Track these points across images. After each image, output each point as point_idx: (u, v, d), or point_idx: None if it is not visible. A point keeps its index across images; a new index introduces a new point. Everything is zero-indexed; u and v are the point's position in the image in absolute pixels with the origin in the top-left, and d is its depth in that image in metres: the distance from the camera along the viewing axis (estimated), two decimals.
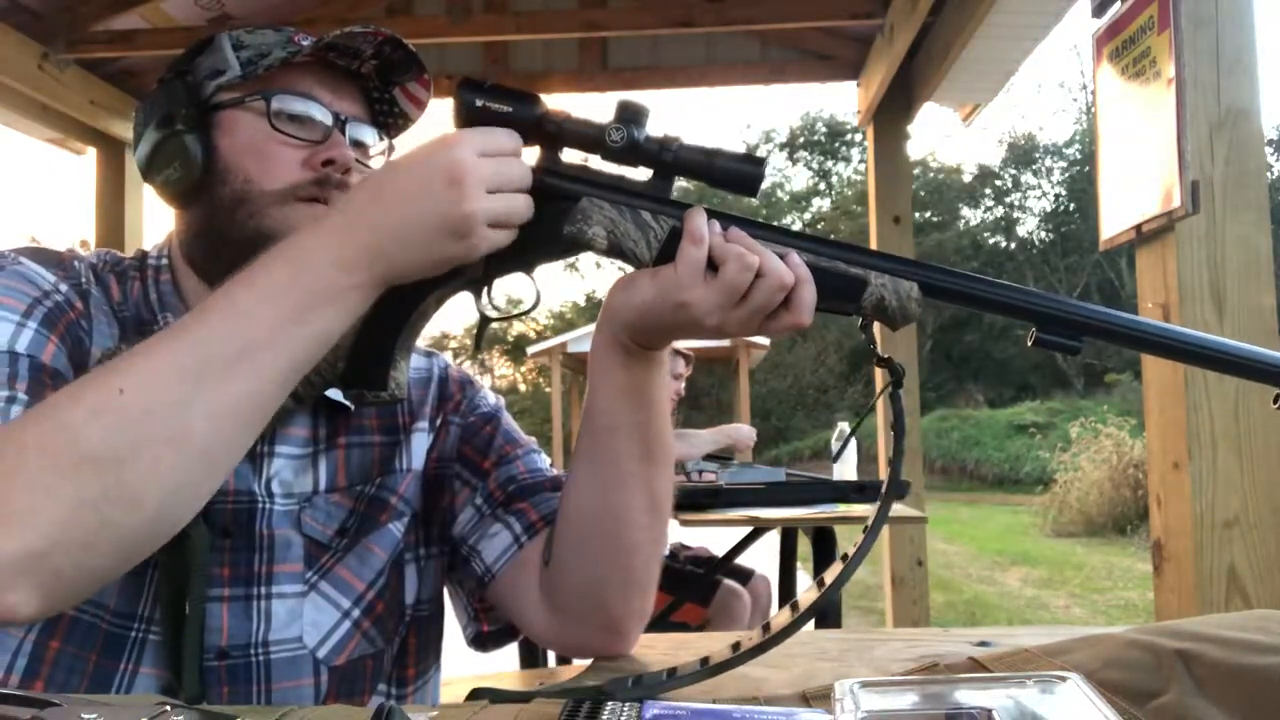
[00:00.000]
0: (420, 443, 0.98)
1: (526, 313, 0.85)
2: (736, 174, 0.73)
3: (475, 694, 0.72)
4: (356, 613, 0.90)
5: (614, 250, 0.75)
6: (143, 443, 0.63)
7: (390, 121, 0.98)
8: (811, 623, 0.74)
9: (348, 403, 0.93)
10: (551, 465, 1.01)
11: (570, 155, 0.77)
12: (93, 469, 0.62)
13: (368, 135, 0.94)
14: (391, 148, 0.97)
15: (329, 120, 0.90)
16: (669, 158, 0.74)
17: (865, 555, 0.72)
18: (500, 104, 0.73)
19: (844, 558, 0.74)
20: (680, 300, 0.72)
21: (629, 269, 0.78)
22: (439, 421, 1.00)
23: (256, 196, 0.87)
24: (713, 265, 0.72)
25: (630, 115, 0.73)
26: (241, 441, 0.69)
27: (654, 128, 0.74)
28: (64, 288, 0.85)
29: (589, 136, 0.74)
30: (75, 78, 3.94)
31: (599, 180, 0.76)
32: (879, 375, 4.34)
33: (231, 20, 3.82)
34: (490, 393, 1.05)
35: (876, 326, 0.76)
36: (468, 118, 0.73)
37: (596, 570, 0.87)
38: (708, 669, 0.72)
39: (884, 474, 0.70)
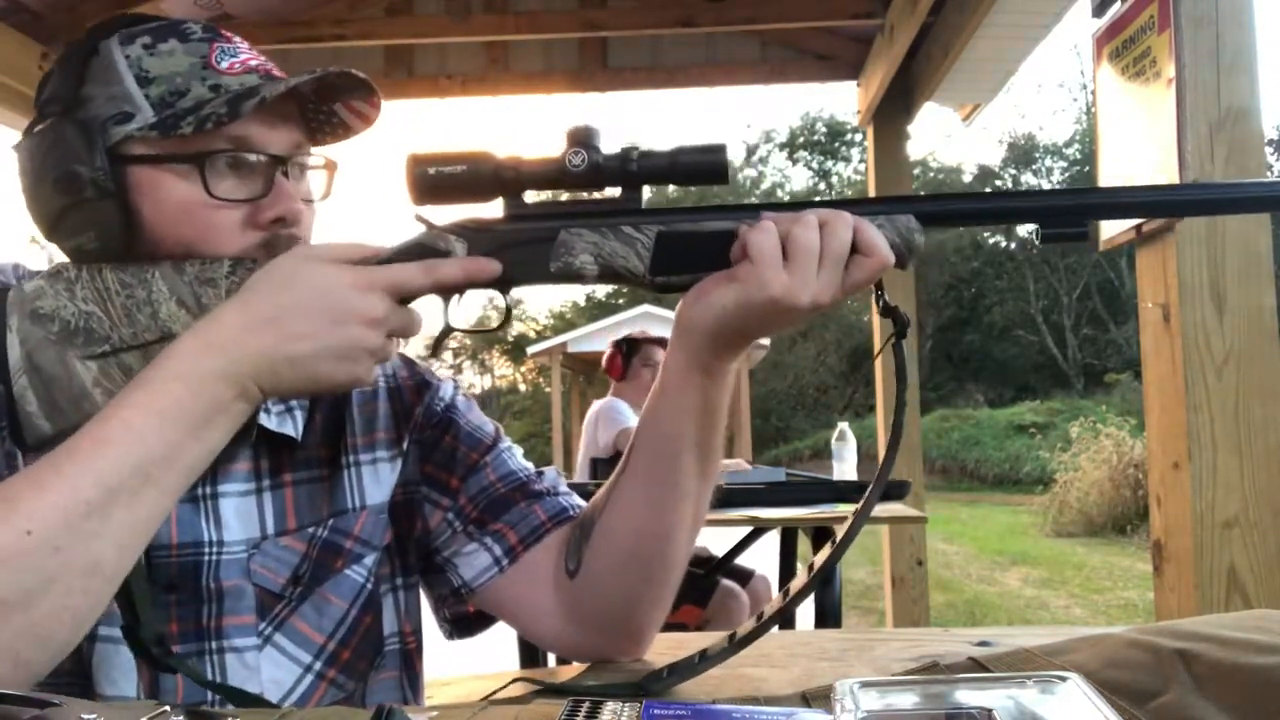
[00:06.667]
0: (376, 475, 0.90)
1: (494, 330, 0.84)
2: (702, 165, 0.73)
3: (518, 681, 0.74)
4: (319, 665, 0.84)
5: (606, 273, 0.75)
6: (54, 579, 0.63)
7: (329, 130, 0.88)
8: (812, 622, 0.74)
9: (292, 434, 0.86)
10: (524, 457, 0.96)
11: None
12: (3, 614, 0.61)
13: (308, 160, 0.85)
14: (334, 165, 0.88)
15: (268, 162, 0.80)
16: (633, 168, 0.73)
17: (877, 500, 0.78)
18: (452, 167, 0.73)
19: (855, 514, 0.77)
20: (770, 296, 0.70)
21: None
22: (405, 445, 0.92)
23: None
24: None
25: (583, 138, 0.73)
26: (141, 549, 0.69)
27: (608, 144, 0.73)
28: None
29: (550, 172, 0.73)
30: None
31: (571, 210, 0.76)
32: (879, 376, 4.35)
33: (231, 20, 3.81)
34: (446, 384, 0.97)
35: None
36: (424, 187, 0.73)
37: (634, 587, 0.86)
38: (736, 643, 0.74)
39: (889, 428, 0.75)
